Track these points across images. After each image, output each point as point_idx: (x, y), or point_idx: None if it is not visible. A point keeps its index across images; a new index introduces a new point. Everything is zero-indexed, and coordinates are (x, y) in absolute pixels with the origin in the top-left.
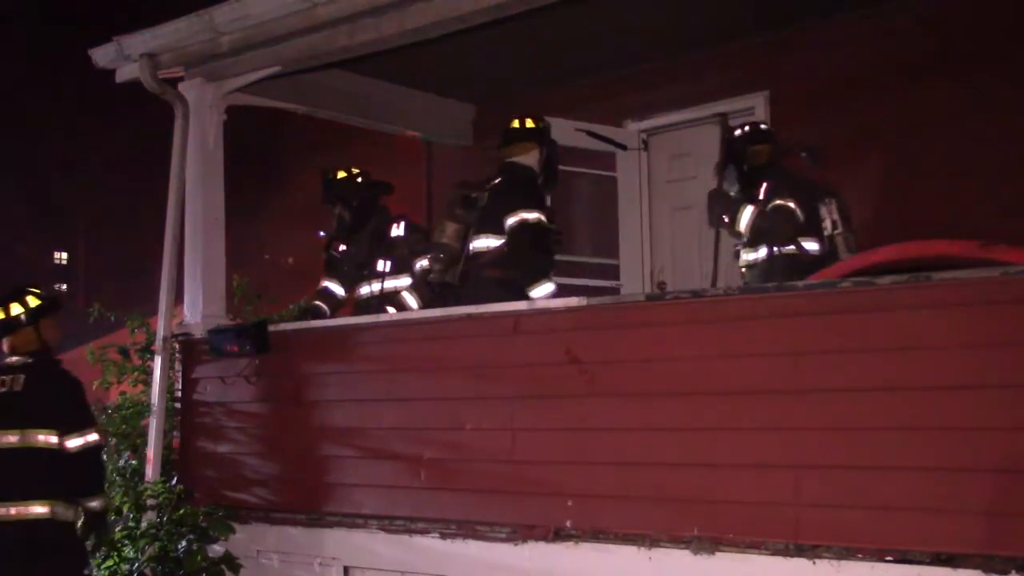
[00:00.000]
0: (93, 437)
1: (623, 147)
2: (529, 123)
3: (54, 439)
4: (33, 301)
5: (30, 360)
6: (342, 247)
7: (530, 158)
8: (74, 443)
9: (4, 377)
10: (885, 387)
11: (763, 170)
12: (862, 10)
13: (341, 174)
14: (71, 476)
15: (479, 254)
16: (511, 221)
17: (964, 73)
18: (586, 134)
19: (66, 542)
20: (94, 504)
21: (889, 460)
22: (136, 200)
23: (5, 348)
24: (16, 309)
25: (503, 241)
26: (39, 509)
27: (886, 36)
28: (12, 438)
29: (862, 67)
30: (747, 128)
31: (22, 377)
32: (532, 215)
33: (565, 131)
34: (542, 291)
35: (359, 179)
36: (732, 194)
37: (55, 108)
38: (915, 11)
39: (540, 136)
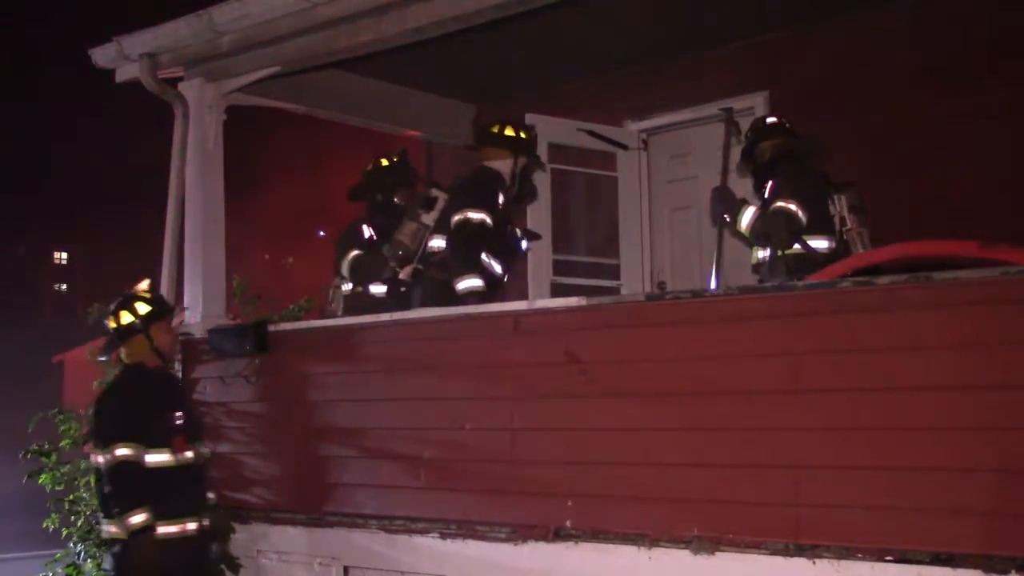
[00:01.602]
0: (120, 452)
1: (624, 147)
2: (508, 131)
3: (111, 455)
4: (143, 307)
5: (117, 372)
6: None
7: (503, 164)
8: (100, 459)
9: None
10: (885, 387)
11: (770, 167)
12: (862, 11)
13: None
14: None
15: (432, 254)
16: (455, 219)
17: (964, 73)
18: (587, 134)
19: (135, 565)
20: (110, 529)
21: (889, 460)
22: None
23: (123, 358)
24: (126, 317)
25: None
26: (110, 528)
27: (886, 36)
28: (98, 457)
29: (862, 67)
30: (754, 125)
31: (103, 389)
32: (477, 215)
33: (565, 131)
34: (466, 285)
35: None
36: (737, 196)
37: (55, 108)
38: (915, 11)
39: (515, 145)
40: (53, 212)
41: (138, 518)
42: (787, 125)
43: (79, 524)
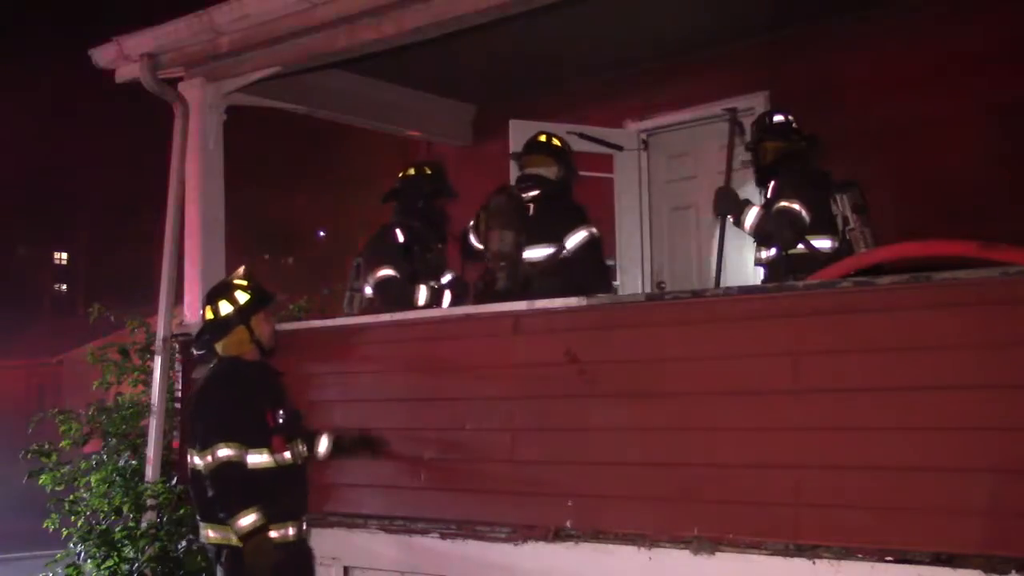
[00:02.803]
0: (221, 453)
1: (619, 148)
2: (555, 141)
3: (213, 456)
4: (242, 296)
5: (209, 367)
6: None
7: (550, 172)
8: (199, 461)
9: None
10: (885, 387)
11: (773, 167)
12: (862, 11)
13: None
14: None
15: (535, 263)
16: (582, 234)
17: (964, 74)
18: (578, 137)
19: (252, 570)
20: (213, 534)
21: (889, 460)
22: (136, 200)
23: (219, 351)
24: (226, 307)
25: (554, 250)
26: (210, 533)
27: (886, 36)
28: (195, 458)
29: (862, 67)
30: (760, 122)
31: (199, 386)
32: (595, 230)
33: (561, 133)
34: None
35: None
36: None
37: (55, 108)
38: (915, 12)
39: (560, 155)
40: (53, 212)
41: (249, 519)
42: (792, 124)
43: (79, 524)
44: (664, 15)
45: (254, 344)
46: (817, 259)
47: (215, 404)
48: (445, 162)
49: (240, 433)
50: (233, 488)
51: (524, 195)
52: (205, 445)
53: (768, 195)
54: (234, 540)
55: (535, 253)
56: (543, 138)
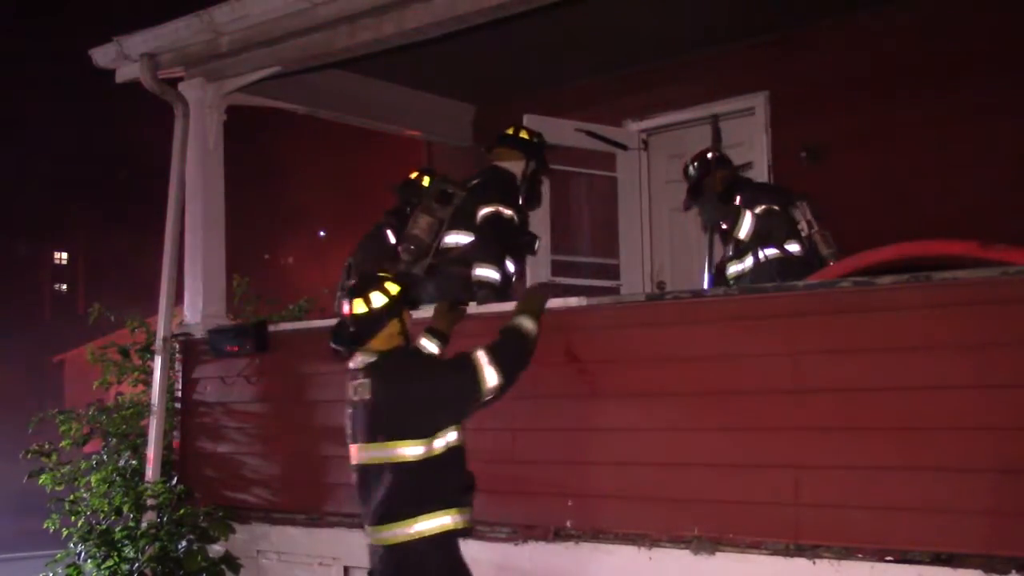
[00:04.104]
0: (451, 437)
1: (623, 147)
2: (522, 134)
3: (413, 449)
4: (393, 287)
5: (374, 359)
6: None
7: (514, 166)
8: (411, 453)
9: (354, 383)
10: (885, 387)
11: (728, 192)
12: (862, 11)
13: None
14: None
15: (448, 249)
16: (485, 211)
17: (964, 74)
18: (586, 134)
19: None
20: (413, 530)
21: (889, 460)
22: (136, 199)
23: (372, 346)
24: (379, 299)
25: (473, 238)
26: (416, 527)
27: (886, 36)
28: (375, 453)
29: (862, 67)
30: (699, 161)
31: (368, 382)
32: (508, 211)
33: (565, 131)
34: (484, 272)
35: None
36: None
37: (55, 108)
38: (915, 12)
39: (528, 148)
40: (53, 212)
41: (469, 508)
42: (726, 156)
43: (79, 524)
44: (664, 15)
45: (402, 336)
46: (792, 263)
47: (435, 388)
48: (445, 162)
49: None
50: (462, 473)
51: (466, 184)
52: (429, 433)
53: (738, 204)
54: (451, 525)
55: (449, 240)
56: (510, 131)
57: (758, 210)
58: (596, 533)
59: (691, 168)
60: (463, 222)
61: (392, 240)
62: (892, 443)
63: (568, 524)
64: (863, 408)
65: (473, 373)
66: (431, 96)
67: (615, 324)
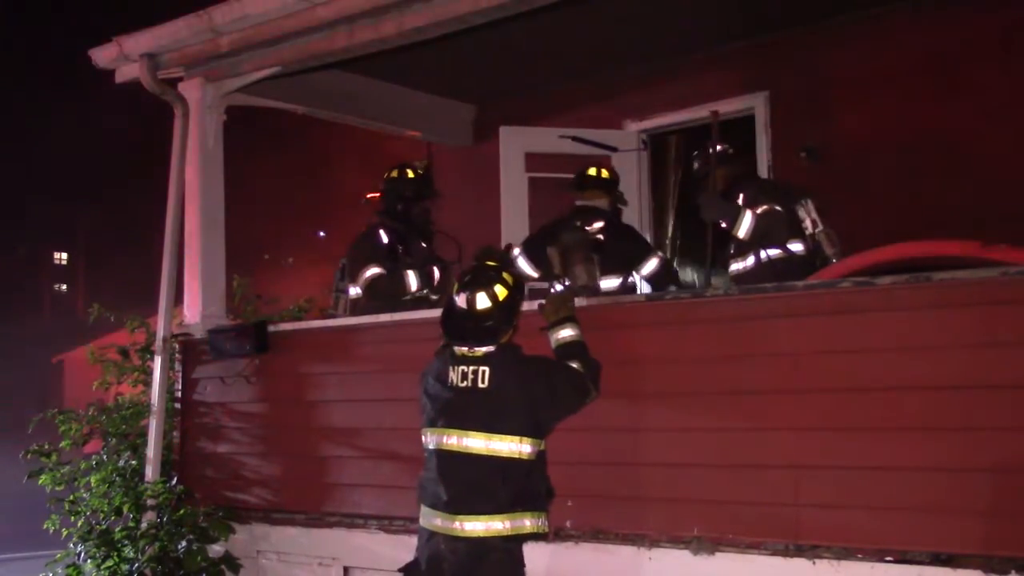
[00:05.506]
0: (532, 446)
1: (613, 150)
2: (604, 174)
3: (515, 446)
4: (510, 279)
5: (491, 348)
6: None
7: (603, 203)
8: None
9: (464, 368)
10: (885, 387)
11: (731, 189)
12: (862, 11)
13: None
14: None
15: (607, 292)
16: (654, 262)
17: (963, 73)
18: (571, 140)
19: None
20: (501, 526)
21: (889, 460)
22: (136, 199)
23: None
24: (502, 292)
25: (623, 279)
26: (497, 524)
27: (886, 36)
28: (470, 442)
29: (862, 67)
30: (703, 158)
31: (486, 370)
32: (663, 255)
33: (549, 139)
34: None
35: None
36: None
37: (55, 108)
38: (915, 11)
39: (608, 188)
40: (53, 212)
41: (528, 521)
42: (730, 150)
43: (79, 524)
44: (664, 15)
45: (513, 329)
46: (792, 262)
47: (552, 392)
48: (445, 162)
49: None
50: (545, 478)
51: (588, 227)
52: (530, 433)
53: (741, 203)
54: (528, 528)
55: (607, 283)
56: (592, 171)
57: (759, 210)
58: (596, 533)
59: (695, 163)
60: (615, 266)
61: (385, 240)
62: (892, 443)
63: (568, 524)
64: (863, 408)
65: (582, 385)
66: (431, 96)
67: (615, 324)
